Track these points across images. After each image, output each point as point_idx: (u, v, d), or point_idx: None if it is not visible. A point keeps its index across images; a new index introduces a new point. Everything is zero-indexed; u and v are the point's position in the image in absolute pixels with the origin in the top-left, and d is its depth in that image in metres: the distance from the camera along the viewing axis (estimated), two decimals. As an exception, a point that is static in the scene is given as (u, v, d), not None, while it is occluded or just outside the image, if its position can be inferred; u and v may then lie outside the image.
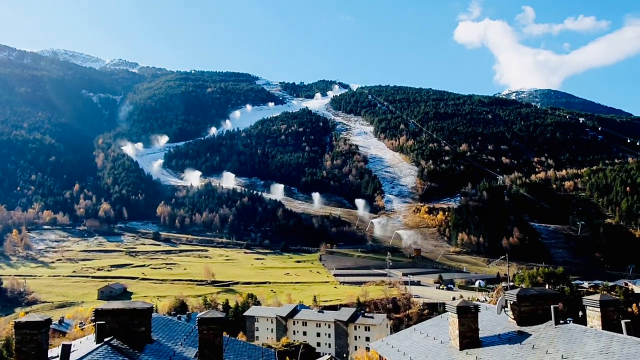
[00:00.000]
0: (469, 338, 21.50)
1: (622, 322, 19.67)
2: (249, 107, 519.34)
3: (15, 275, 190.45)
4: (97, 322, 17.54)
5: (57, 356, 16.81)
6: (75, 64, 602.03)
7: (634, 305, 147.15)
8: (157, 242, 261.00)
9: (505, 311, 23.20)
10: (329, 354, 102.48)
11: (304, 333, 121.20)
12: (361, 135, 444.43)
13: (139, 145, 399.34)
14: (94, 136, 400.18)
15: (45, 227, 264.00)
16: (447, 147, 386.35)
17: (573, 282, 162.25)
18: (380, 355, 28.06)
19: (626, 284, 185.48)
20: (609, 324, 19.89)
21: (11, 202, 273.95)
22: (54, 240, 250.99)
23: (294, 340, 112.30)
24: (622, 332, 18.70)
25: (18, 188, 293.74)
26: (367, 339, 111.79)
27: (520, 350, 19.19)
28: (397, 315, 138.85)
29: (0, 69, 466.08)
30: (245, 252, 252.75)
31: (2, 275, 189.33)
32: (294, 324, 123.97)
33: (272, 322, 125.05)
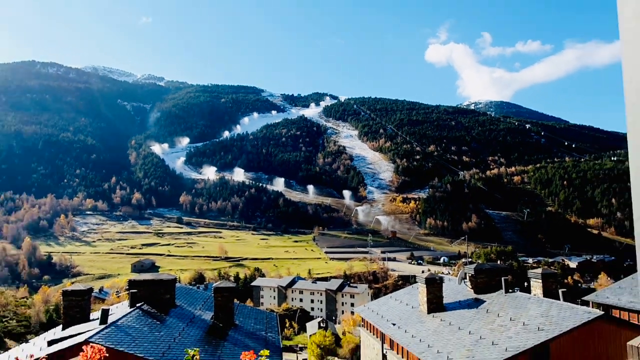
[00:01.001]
0: (435, 304, 21.68)
1: (559, 291, 19.89)
2: (255, 114, 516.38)
3: (63, 252, 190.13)
4: (130, 291, 17.52)
5: (98, 318, 16.78)
6: (112, 78, 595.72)
7: (569, 277, 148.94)
8: (180, 225, 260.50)
9: (464, 282, 23.37)
10: (321, 317, 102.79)
11: (301, 300, 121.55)
12: (348, 138, 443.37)
13: (165, 145, 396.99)
14: (128, 138, 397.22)
15: (88, 212, 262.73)
16: (418, 148, 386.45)
17: (520, 259, 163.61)
18: (362, 318, 28.21)
19: (563, 260, 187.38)
20: (549, 292, 20.11)
21: (60, 192, 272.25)
22: (95, 223, 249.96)
23: (292, 306, 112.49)
24: (559, 299, 18.90)
25: (65, 180, 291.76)
26: (352, 304, 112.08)
27: (477, 314, 19.36)
28: (377, 285, 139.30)
29: (52, 82, 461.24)
30: (252, 234, 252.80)
31: (52, 252, 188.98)
32: (292, 292, 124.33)
33: (274, 291, 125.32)
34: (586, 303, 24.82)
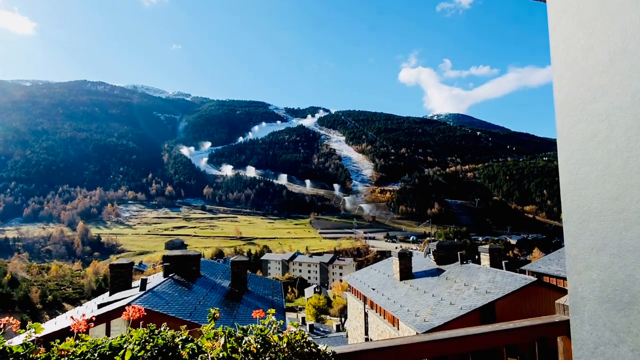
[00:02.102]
0: (406, 273, 21.78)
1: (503, 262, 20.06)
2: (264, 124, 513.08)
3: (109, 234, 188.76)
4: (164, 264, 17.45)
5: (138, 286, 16.69)
6: (149, 94, 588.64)
7: (510, 251, 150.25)
8: (203, 212, 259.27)
9: (429, 256, 23.50)
10: (316, 284, 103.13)
11: (300, 270, 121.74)
12: (337, 142, 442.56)
13: (192, 148, 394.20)
14: (162, 142, 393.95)
15: (129, 202, 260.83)
16: (392, 150, 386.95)
17: (472, 237, 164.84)
18: (349, 284, 28.28)
19: (506, 238, 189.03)
20: (495, 263, 20.28)
21: (107, 185, 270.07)
22: (135, 210, 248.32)
23: (293, 275, 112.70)
24: (502, 269, 19.06)
25: (111, 176, 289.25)
26: (341, 274, 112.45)
27: (439, 280, 19.49)
28: (360, 259, 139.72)
29: (100, 97, 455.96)
30: (261, 218, 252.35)
31: (101, 234, 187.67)
32: (293, 264, 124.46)
33: (279, 264, 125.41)
34: (523, 272, 25.07)
